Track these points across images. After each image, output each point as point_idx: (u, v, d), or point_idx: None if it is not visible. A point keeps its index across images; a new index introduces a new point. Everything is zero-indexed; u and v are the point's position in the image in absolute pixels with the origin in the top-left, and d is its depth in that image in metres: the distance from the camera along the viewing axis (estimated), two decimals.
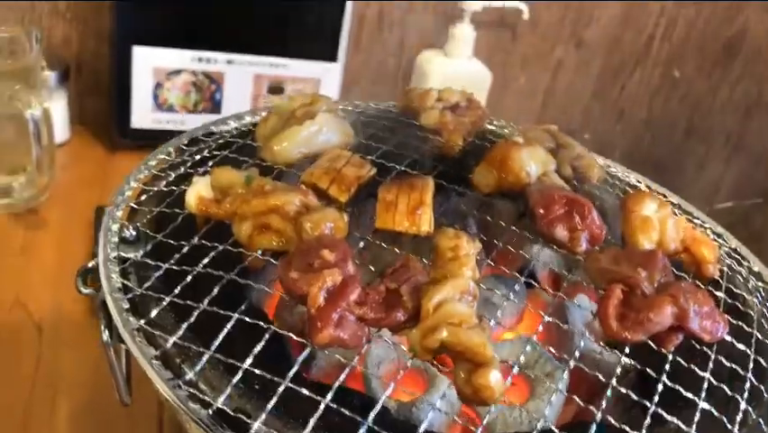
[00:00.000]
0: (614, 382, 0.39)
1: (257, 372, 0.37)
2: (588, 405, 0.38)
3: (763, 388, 0.44)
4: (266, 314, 0.44)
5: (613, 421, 0.38)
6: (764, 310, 0.51)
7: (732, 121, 1.35)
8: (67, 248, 0.77)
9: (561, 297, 0.47)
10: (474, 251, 0.43)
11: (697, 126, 1.34)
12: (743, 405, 0.42)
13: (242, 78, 0.94)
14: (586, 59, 1.20)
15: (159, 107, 0.92)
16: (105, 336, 0.42)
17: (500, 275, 0.52)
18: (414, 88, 0.61)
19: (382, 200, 0.47)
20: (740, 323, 0.46)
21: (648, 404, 0.39)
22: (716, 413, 0.40)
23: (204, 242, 0.43)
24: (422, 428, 0.36)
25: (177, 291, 0.41)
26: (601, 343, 0.47)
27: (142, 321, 0.40)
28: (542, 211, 0.46)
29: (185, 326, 0.39)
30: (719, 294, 0.49)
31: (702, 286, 0.47)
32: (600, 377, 0.40)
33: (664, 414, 0.39)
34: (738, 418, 0.41)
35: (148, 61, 0.89)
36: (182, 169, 0.52)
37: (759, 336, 0.47)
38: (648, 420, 0.38)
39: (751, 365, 0.44)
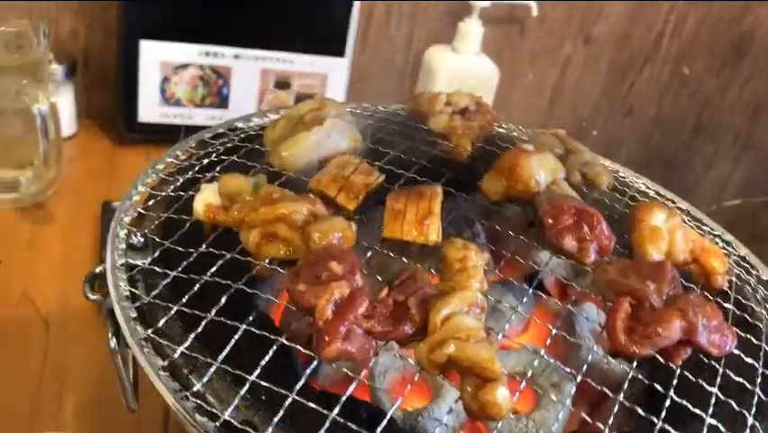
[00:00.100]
0: (621, 397, 0.39)
1: (264, 384, 0.37)
2: (594, 420, 0.38)
3: None
4: (273, 324, 0.44)
5: None
6: None
7: (741, 119, 1.34)
8: (74, 242, 0.77)
9: (568, 309, 0.47)
10: (482, 262, 0.43)
11: (706, 124, 1.33)
12: (750, 420, 0.42)
13: (250, 72, 0.94)
14: (595, 56, 1.19)
15: (166, 101, 0.92)
16: (113, 343, 0.42)
17: (508, 283, 0.52)
18: (422, 93, 0.61)
19: (390, 209, 0.47)
20: (748, 336, 0.46)
21: (655, 420, 0.39)
22: (723, 429, 0.40)
23: (212, 249, 0.43)
24: None
25: (184, 300, 0.41)
26: (609, 357, 0.46)
27: (150, 331, 0.40)
28: (551, 221, 0.46)
29: (192, 336, 0.39)
30: (728, 306, 0.49)
31: (711, 297, 0.47)
32: (608, 391, 0.40)
33: (672, 430, 0.39)
34: None
35: (155, 55, 0.89)
36: (190, 173, 0.52)
37: (767, 349, 0.46)
38: None
39: (759, 379, 0.44)
